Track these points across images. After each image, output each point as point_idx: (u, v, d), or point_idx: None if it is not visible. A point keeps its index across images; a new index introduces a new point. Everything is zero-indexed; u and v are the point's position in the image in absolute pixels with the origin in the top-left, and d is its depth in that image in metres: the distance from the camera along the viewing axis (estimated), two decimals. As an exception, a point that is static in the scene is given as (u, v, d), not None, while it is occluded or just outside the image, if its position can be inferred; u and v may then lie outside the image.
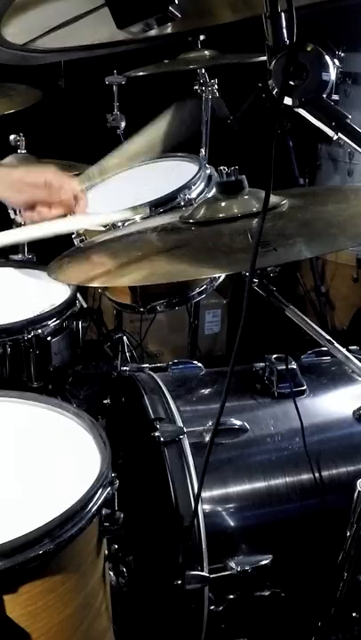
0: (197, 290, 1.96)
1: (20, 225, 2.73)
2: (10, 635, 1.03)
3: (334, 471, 1.64)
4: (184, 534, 1.51)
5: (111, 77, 2.94)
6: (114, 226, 1.96)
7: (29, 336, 1.79)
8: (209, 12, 1.37)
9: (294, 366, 1.76)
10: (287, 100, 1.10)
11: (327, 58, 1.10)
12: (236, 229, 1.38)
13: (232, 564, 1.53)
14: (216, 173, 2.05)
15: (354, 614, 1.58)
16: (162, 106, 3.55)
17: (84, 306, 2.17)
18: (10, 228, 2.76)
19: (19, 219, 2.34)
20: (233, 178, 1.49)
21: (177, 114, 1.77)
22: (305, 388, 1.75)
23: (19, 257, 2.50)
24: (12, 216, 2.73)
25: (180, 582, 1.49)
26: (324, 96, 1.10)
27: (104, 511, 1.16)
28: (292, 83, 1.09)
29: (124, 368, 1.88)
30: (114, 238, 1.68)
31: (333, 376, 1.83)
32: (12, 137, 2.62)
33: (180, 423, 1.63)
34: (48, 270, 1.63)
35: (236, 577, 1.53)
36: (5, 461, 1.29)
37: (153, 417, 1.64)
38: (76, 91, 3.52)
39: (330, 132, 1.11)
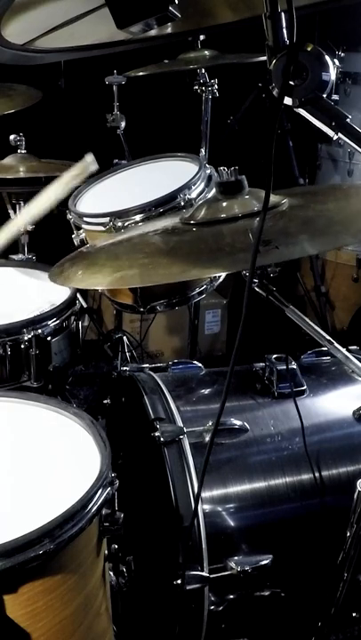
0: (197, 290, 1.96)
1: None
2: (10, 635, 1.03)
3: (334, 471, 1.64)
4: (184, 534, 1.51)
5: (111, 77, 2.94)
6: (114, 227, 1.97)
7: (29, 336, 1.79)
8: (209, 12, 1.37)
9: (294, 366, 1.76)
10: (287, 100, 1.10)
11: (327, 58, 1.09)
12: (237, 229, 1.38)
13: (232, 564, 1.53)
14: (216, 173, 2.05)
15: (354, 614, 1.58)
16: (162, 106, 3.57)
17: (84, 306, 2.17)
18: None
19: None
20: (233, 178, 1.49)
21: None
22: (305, 387, 1.75)
23: (19, 257, 2.50)
24: (12, 216, 2.74)
25: (180, 582, 1.49)
26: (325, 96, 1.10)
27: (104, 511, 1.16)
28: (292, 83, 1.09)
29: (124, 368, 1.88)
30: (115, 242, 1.68)
31: (333, 376, 1.83)
32: (12, 137, 2.62)
33: (180, 423, 1.63)
34: (50, 275, 1.62)
35: (236, 577, 1.53)
36: (5, 461, 1.29)
37: (153, 417, 1.64)
38: (76, 91, 3.52)
39: (330, 132, 1.11)
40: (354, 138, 1.10)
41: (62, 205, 2.29)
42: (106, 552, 1.22)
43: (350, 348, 1.76)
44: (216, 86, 2.78)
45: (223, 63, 2.80)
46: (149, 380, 1.79)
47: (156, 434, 1.58)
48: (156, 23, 1.09)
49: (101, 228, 2.01)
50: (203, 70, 2.78)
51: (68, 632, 1.11)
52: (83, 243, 2.11)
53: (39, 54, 1.32)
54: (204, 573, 1.53)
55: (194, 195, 2.02)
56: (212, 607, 1.57)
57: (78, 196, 2.26)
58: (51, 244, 1.96)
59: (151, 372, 1.84)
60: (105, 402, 1.98)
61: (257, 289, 1.49)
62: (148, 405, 1.68)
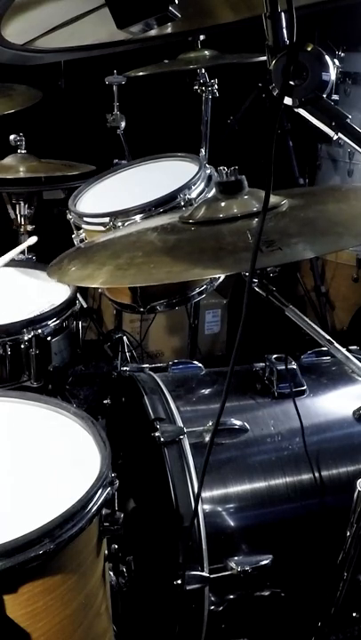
0: (197, 290, 1.96)
1: (19, 225, 2.76)
2: (10, 635, 1.03)
3: (334, 471, 1.64)
4: (184, 534, 1.51)
5: (111, 77, 2.94)
6: (114, 227, 1.97)
7: (29, 336, 1.79)
8: (209, 12, 1.37)
9: (294, 366, 1.76)
10: (287, 100, 1.10)
11: (327, 58, 1.09)
12: (238, 229, 1.38)
13: (232, 564, 1.53)
14: (216, 173, 2.05)
15: (354, 614, 1.58)
16: (162, 106, 3.57)
17: (84, 306, 2.17)
18: (9, 227, 2.78)
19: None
20: (233, 178, 1.49)
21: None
22: (305, 387, 1.75)
23: (19, 257, 2.50)
24: (12, 216, 2.75)
25: (180, 582, 1.49)
26: (325, 96, 1.10)
27: (104, 511, 1.16)
28: (292, 83, 1.09)
29: (124, 368, 1.88)
30: (114, 239, 1.68)
31: (333, 376, 1.83)
32: (12, 137, 2.62)
33: (180, 423, 1.63)
34: (48, 271, 1.63)
35: (236, 577, 1.53)
36: (5, 461, 1.29)
37: (153, 417, 1.64)
38: (76, 91, 3.52)
39: (330, 132, 1.11)
40: (354, 138, 1.10)
41: (62, 205, 2.29)
42: (106, 552, 1.22)
43: (350, 347, 1.76)
44: (216, 86, 2.78)
45: (223, 63, 2.80)
46: (149, 380, 1.79)
47: (156, 434, 1.58)
48: (156, 23, 1.09)
49: (101, 228, 2.01)
50: (203, 70, 2.78)
51: (68, 632, 1.11)
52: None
53: (39, 54, 1.32)
54: (204, 573, 1.53)
55: (194, 195, 2.02)
56: (212, 607, 1.57)
57: (78, 196, 2.26)
58: (51, 244, 1.96)
59: (151, 372, 1.84)
60: (105, 402, 1.98)
61: (257, 289, 1.49)
62: (148, 405, 1.68)
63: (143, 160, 2.43)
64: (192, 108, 2.89)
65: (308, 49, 1.08)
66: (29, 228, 2.72)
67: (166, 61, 2.90)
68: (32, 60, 1.34)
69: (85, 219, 2.10)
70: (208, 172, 2.13)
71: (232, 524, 1.57)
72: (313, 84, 1.09)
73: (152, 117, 3.43)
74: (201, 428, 1.62)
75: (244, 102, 3.31)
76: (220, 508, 1.57)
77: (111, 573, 1.34)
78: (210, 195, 1.93)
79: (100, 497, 1.13)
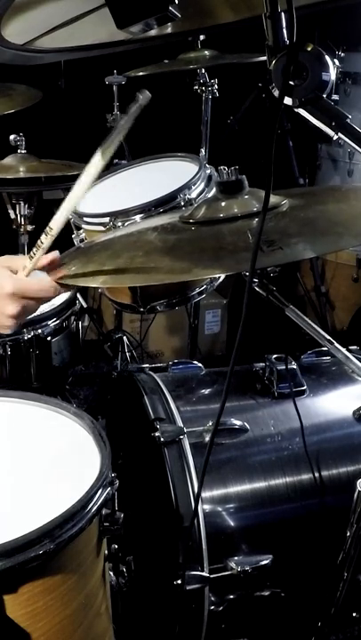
0: (197, 290, 1.96)
1: (19, 225, 2.76)
2: (10, 635, 1.03)
3: (334, 471, 1.64)
4: (184, 534, 1.51)
5: (111, 77, 2.94)
6: (114, 227, 1.97)
7: (29, 336, 1.80)
8: (209, 12, 1.37)
9: (294, 366, 1.76)
10: (287, 100, 1.10)
11: (327, 58, 1.09)
12: (238, 229, 1.38)
13: (232, 564, 1.53)
14: (216, 173, 2.05)
15: (354, 614, 1.58)
16: (162, 106, 3.56)
17: (84, 306, 2.18)
18: (9, 227, 2.78)
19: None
20: (233, 178, 1.49)
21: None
22: (305, 387, 1.75)
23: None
24: (12, 216, 2.74)
25: (180, 582, 1.49)
26: (325, 96, 1.10)
27: (104, 511, 1.16)
28: (292, 83, 1.08)
29: (124, 368, 1.88)
30: (114, 239, 1.68)
31: (333, 376, 1.83)
32: (12, 137, 2.63)
33: (180, 423, 1.63)
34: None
35: (236, 577, 1.53)
36: (5, 461, 1.28)
37: (153, 417, 1.64)
38: (76, 91, 3.52)
39: (330, 132, 1.11)
40: (354, 138, 1.10)
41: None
42: (106, 552, 1.22)
43: (350, 347, 1.76)
44: (216, 86, 2.78)
45: (223, 63, 2.80)
46: (149, 380, 1.79)
47: (157, 434, 1.58)
48: (156, 23, 1.09)
49: (101, 228, 2.02)
50: (203, 70, 2.78)
51: (68, 632, 1.11)
52: (83, 243, 2.11)
53: (39, 54, 1.32)
54: (204, 573, 1.53)
55: (194, 195, 2.02)
56: (212, 607, 1.57)
57: (78, 196, 2.26)
58: (50, 244, 1.96)
59: (151, 372, 1.84)
60: (105, 402, 1.98)
61: (257, 289, 1.49)
62: (148, 405, 1.68)
63: (143, 160, 2.43)
64: (192, 108, 2.89)
65: (308, 49, 1.08)
66: (29, 227, 2.72)
67: (166, 61, 2.90)
68: (32, 60, 1.34)
69: (85, 219, 2.10)
70: (208, 172, 2.13)
71: (232, 524, 1.57)
72: (313, 84, 1.09)
73: (152, 117, 3.42)
74: (201, 427, 1.62)
75: (244, 102, 3.31)
76: (220, 508, 1.57)
77: (111, 573, 1.34)
78: (210, 195, 1.93)
79: (100, 497, 1.13)
